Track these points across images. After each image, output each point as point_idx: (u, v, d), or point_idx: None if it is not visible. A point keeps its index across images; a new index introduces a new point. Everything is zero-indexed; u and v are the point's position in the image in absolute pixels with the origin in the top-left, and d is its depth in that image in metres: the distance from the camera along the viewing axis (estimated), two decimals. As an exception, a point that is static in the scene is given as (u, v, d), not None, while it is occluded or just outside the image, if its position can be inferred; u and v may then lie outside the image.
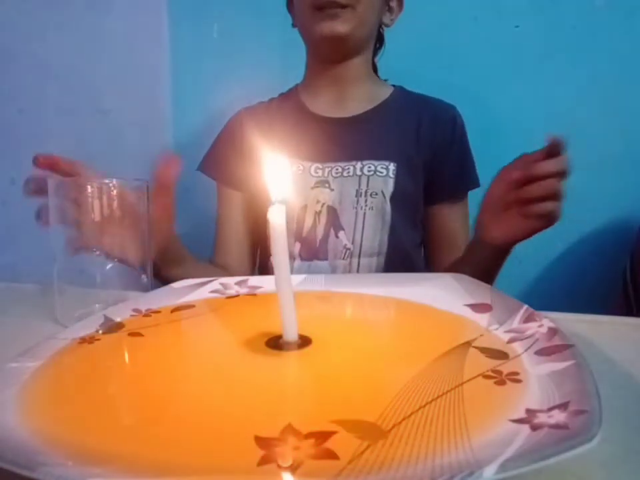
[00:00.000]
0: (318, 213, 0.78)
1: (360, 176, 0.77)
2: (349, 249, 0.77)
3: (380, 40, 0.87)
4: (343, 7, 0.72)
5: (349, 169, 0.78)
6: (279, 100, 0.89)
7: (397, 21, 0.83)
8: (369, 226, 0.77)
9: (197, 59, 1.13)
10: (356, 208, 0.77)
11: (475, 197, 0.83)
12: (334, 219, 0.78)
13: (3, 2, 1.07)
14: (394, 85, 0.87)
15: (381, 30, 0.84)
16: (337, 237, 0.77)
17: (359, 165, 0.78)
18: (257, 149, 0.73)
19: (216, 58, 1.12)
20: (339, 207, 0.78)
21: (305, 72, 0.86)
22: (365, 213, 0.77)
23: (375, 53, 0.87)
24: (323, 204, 0.78)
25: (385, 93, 0.85)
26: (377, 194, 0.77)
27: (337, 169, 0.78)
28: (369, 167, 0.78)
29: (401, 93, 0.86)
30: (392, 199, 0.77)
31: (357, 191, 0.77)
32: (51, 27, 1.09)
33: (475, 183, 0.83)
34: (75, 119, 1.12)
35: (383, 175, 0.77)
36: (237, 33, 1.11)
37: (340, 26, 0.73)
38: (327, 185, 0.78)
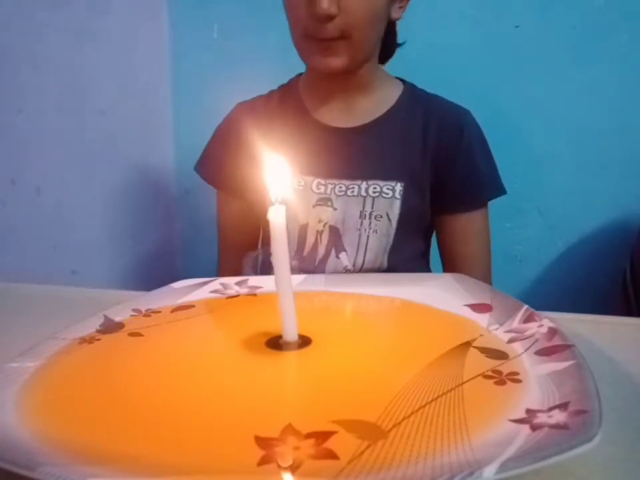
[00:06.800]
0: (320, 233, 0.75)
1: (365, 197, 0.73)
2: (349, 270, 0.74)
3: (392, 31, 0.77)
4: (337, 38, 0.66)
5: (353, 188, 0.74)
6: (279, 94, 0.82)
7: (406, 8, 0.74)
8: (372, 249, 0.73)
9: (197, 59, 1.13)
10: (359, 230, 0.73)
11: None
12: (336, 240, 0.74)
13: (3, 2, 1.07)
14: (404, 81, 0.80)
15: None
16: (337, 257, 0.74)
17: (364, 185, 0.73)
18: (255, 149, 0.69)
19: (216, 58, 1.12)
20: (341, 227, 0.74)
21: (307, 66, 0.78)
22: (368, 236, 0.73)
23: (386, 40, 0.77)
24: (325, 223, 0.74)
25: (394, 94, 0.77)
26: (381, 217, 0.73)
27: (340, 187, 0.74)
28: (375, 188, 0.73)
29: (410, 95, 0.78)
30: (398, 220, 0.73)
31: (361, 212, 0.73)
32: (51, 27, 1.09)
33: (489, 193, 0.77)
34: (74, 118, 1.12)
35: (388, 196, 0.73)
36: (237, 33, 1.10)
37: (334, 61, 0.67)
38: (329, 204, 0.74)
